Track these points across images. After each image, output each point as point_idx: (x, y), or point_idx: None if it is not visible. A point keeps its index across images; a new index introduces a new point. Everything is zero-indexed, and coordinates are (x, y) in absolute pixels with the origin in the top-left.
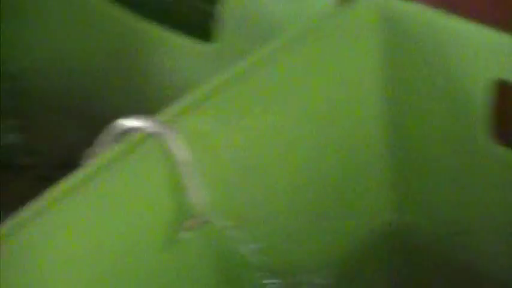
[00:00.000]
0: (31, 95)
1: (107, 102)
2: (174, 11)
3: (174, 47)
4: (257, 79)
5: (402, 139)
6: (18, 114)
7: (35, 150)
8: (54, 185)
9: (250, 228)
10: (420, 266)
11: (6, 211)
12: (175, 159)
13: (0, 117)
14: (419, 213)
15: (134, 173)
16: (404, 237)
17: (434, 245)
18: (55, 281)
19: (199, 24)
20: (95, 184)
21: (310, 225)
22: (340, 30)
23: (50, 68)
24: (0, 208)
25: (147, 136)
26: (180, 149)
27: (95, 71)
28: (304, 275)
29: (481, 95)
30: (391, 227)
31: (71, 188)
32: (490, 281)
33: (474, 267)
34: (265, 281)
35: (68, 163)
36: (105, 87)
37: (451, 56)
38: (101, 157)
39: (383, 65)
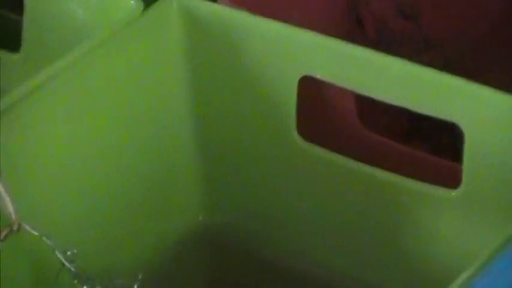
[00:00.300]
0: None
1: None
2: None
3: None
4: (62, 86)
5: (211, 138)
6: None
7: None
8: None
9: (65, 235)
10: (233, 265)
11: None
12: None
13: None
14: (230, 212)
15: None
16: (217, 236)
17: (247, 243)
18: None
19: (8, 34)
20: None
21: (123, 228)
22: (144, 34)
23: None
24: None
25: None
26: None
27: None
28: (119, 278)
29: (288, 91)
30: (203, 226)
31: None
32: (303, 278)
33: (288, 264)
34: (83, 287)
35: None
36: None
37: (258, 55)
38: None
39: (190, 66)
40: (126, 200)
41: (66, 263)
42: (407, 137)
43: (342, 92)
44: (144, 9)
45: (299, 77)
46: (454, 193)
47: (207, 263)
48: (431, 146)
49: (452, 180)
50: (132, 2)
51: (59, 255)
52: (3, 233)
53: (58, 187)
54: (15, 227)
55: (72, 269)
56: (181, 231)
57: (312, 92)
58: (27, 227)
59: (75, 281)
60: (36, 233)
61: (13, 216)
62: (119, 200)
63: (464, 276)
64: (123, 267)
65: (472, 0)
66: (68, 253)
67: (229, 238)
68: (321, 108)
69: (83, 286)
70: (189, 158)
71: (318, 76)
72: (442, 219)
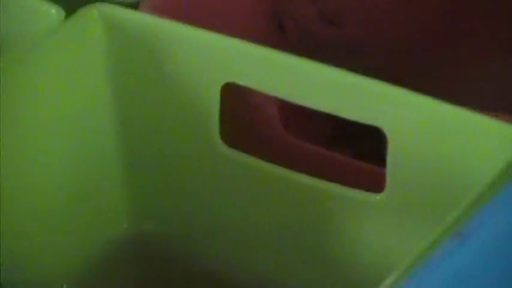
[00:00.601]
0: None
1: None
2: None
3: None
4: None
5: (136, 146)
6: None
7: None
8: None
9: None
10: (160, 273)
11: None
12: None
13: None
14: (156, 220)
15: None
16: (142, 244)
17: (173, 251)
18: None
19: None
20: None
21: (46, 238)
22: (66, 43)
23: None
24: None
25: None
26: None
27: None
28: None
29: (211, 98)
30: (128, 235)
31: None
32: (231, 284)
33: (215, 271)
34: None
35: None
36: None
37: (181, 62)
38: None
39: (113, 74)
40: (48, 209)
41: None
42: (332, 142)
43: (266, 98)
44: (65, 18)
45: (222, 83)
46: (378, 197)
47: (133, 272)
48: (356, 151)
49: (377, 185)
50: (53, 10)
51: None
52: None
53: None
54: None
55: None
56: (106, 240)
57: (236, 99)
58: None
59: None
60: None
61: None
62: (41, 209)
63: (388, 281)
64: (48, 278)
65: (396, 8)
66: None
67: (155, 246)
68: (244, 115)
69: None
70: (114, 166)
71: (241, 83)
72: (367, 224)
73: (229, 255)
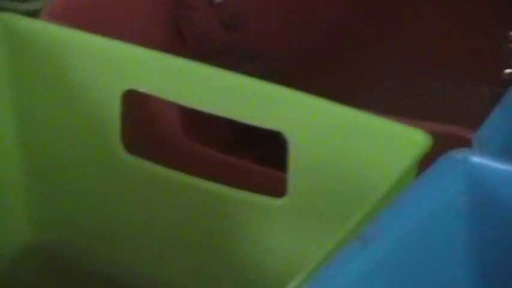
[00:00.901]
0: None
1: None
2: None
3: None
4: None
5: (36, 154)
6: None
7: None
8: None
9: None
10: (65, 283)
11: None
12: None
13: None
14: (58, 229)
15: None
16: (46, 254)
17: (77, 260)
18: None
19: None
20: None
21: None
22: None
23: None
24: None
25: None
26: None
27: None
28: None
29: (112, 106)
30: (30, 245)
31: None
32: None
33: (121, 278)
34: None
35: None
36: None
37: (81, 70)
38: None
39: (14, 82)
40: None
41: None
42: (233, 147)
43: (166, 104)
44: None
45: (123, 91)
46: (279, 202)
47: (37, 283)
48: (257, 156)
49: (278, 189)
50: None
51: None
52: None
53: None
54: None
55: None
56: (8, 251)
57: (137, 105)
58: None
59: None
60: None
61: None
62: None
63: (292, 285)
64: None
65: (293, 11)
66: None
67: (58, 256)
68: (146, 121)
69: None
70: (13, 176)
71: (142, 89)
72: (269, 228)
73: (132, 261)
